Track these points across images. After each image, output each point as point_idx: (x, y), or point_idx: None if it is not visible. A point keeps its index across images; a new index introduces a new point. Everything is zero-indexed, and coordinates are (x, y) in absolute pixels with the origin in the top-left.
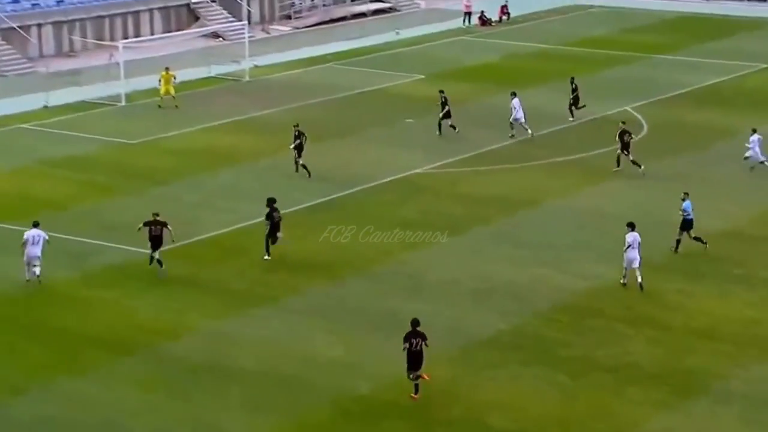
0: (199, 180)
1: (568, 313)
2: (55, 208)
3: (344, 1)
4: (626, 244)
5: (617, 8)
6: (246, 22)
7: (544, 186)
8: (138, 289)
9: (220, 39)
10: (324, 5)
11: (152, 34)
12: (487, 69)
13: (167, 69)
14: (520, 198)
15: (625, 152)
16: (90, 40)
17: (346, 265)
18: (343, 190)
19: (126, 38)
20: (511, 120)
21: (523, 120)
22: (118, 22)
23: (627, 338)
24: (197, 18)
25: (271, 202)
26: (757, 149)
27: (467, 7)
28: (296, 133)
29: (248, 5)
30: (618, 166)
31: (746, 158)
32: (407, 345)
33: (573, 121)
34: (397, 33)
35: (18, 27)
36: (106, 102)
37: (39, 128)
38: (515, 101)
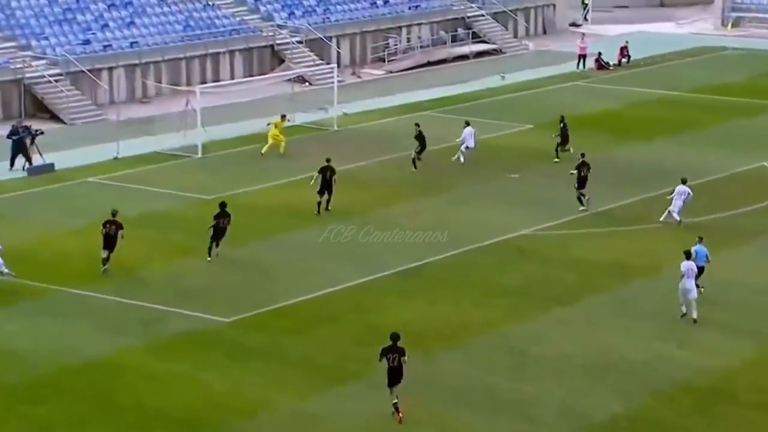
0: (279, 240)
1: (692, 394)
2: (124, 271)
3: (444, 43)
4: (680, 274)
5: (754, 51)
6: (335, 65)
7: (664, 250)
8: (212, 360)
9: (307, 84)
10: (421, 47)
11: (232, 78)
12: (605, 118)
13: (283, 117)
14: (638, 264)
15: (578, 186)
16: (165, 85)
17: (439, 335)
18: (437, 253)
19: (204, 83)
20: (461, 148)
21: (472, 147)
22: (196, 65)
23: (762, 428)
24: (282, 61)
25: (222, 206)
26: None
27: (582, 49)
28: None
29: (338, 47)
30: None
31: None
32: (385, 360)
33: (558, 161)
34: (503, 77)
35: (88, 70)
36: (181, 153)
37: (108, 182)
38: (468, 131)
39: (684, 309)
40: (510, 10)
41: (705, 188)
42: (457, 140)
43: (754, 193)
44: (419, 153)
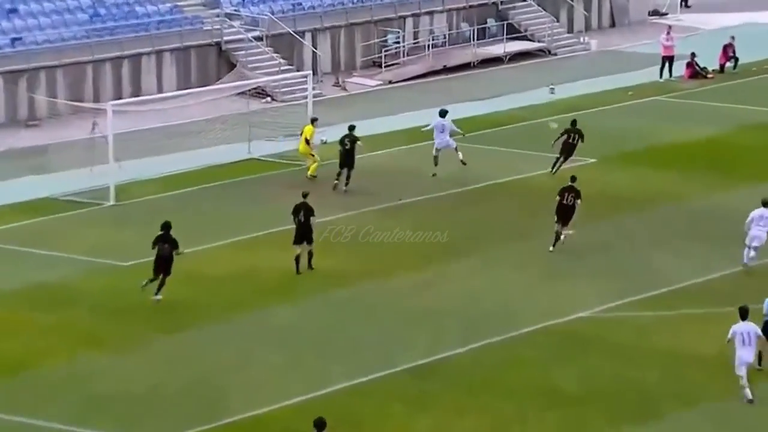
0: (236, 323)
1: None
2: (7, 372)
3: (467, 41)
4: (729, 334)
5: None
6: (310, 72)
7: None
8: None
9: (268, 99)
10: (434, 46)
11: (160, 90)
12: (702, 149)
13: (314, 121)
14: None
15: (556, 219)
16: (62, 101)
17: None
18: (467, 342)
19: (119, 98)
20: (434, 152)
21: (451, 145)
22: (107, 72)
23: None
24: (232, 65)
25: (165, 228)
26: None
27: (667, 48)
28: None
29: (314, 46)
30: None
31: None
32: None
33: (554, 173)
34: (552, 90)
35: None
36: (86, 200)
37: None
38: (439, 123)
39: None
40: None
41: None
42: (425, 127)
43: None
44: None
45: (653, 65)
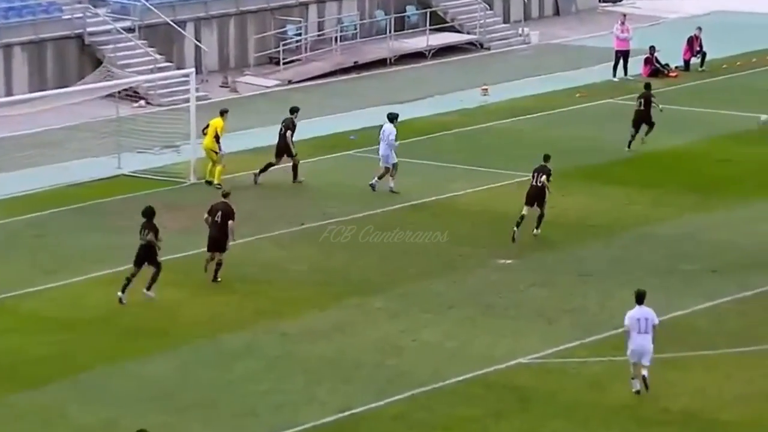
0: (111, 375)
1: None
2: None
3: (383, 32)
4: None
5: None
6: (192, 70)
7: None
8: None
9: (142, 102)
10: (343, 39)
11: (9, 93)
12: (671, 162)
13: (224, 113)
14: (734, 419)
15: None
16: None
17: None
18: (383, 396)
19: None
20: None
21: (390, 162)
22: None
23: None
24: (99, 62)
25: (147, 214)
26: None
27: (622, 42)
28: None
29: (197, 39)
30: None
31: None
32: None
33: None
34: (485, 92)
35: None
36: None
37: None
38: (387, 129)
39: (635, 383)
40: None
41: None
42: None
43: None
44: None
45: (606, 61)
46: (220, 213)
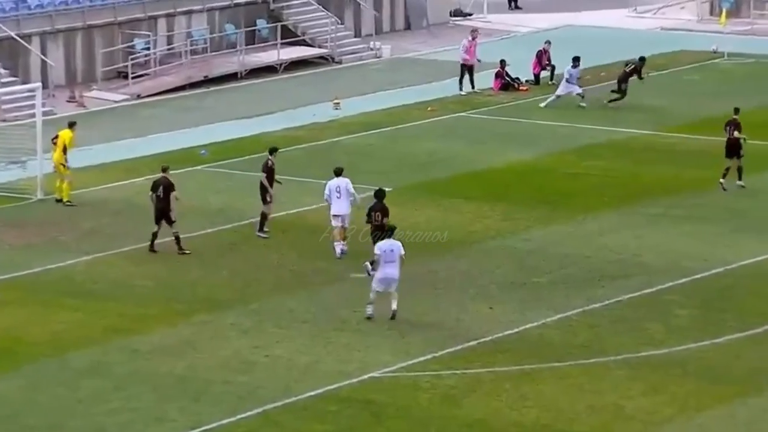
0: None
1: None
2: None
3: (234, 46)
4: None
5: (765, 58)
6: (39, 84)
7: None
8: None
9: None
10: (193, 53)
11: None
12: (521, 175)
13: (71, 125)
14: (574, 429)
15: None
16: None
17: None
18: (235, 412)
19: None
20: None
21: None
22: None
23: None
24: None
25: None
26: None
27: (468, 56)
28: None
29: (43, 53)
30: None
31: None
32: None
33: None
34: (337, 105)
35: None
36: None
37: None
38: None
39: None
40: None
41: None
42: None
43: None
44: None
45: (453, 73)
46: (161, 187)
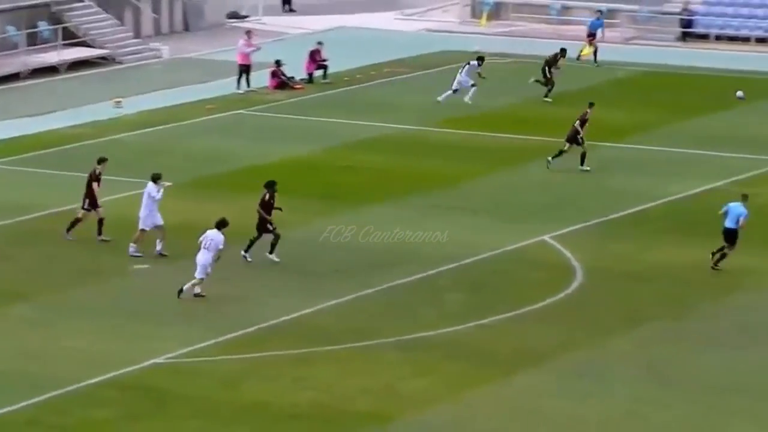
0: None
1: None
2: None
3: (14, 47)
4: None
5: (525, 58)
6: None
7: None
8: None
9: None
10: None
11: None
12: (300, 170)
13: None
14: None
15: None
16: None
17: None
18: (19, 400)
19: None
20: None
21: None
22: None
23: None
24: None
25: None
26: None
27: (244, 56)
28: None
29: None
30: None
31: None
32: None
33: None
34: (118, 104)
35: None
36: None
37: None
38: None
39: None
40: None
41: (466, 276)
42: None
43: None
44: None
45: (234, 75)
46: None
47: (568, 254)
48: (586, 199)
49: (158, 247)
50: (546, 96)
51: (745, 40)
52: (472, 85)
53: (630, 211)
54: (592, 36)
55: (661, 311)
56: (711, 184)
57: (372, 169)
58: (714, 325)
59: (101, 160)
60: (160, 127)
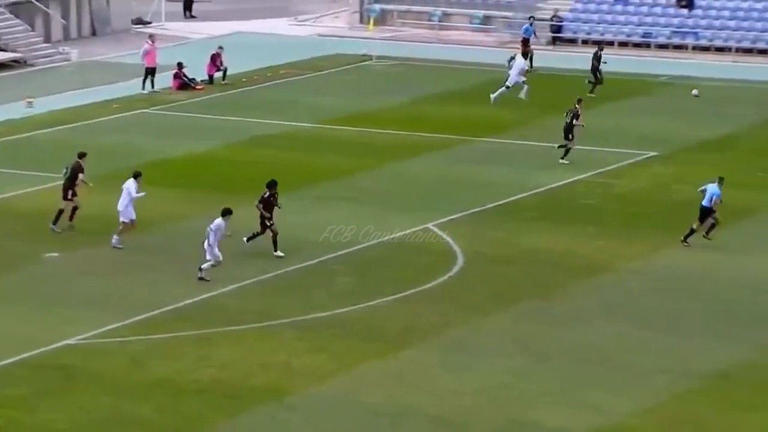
0: None
1: None
2: None
3: None
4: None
5: (409, 60)
6: None
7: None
8: None
9: None
10: None
11: None
12: (200, 164)
13: None
14: (248, 384)
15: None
16: None
17: None
18: None
19: None
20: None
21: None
22: None
23: None
24: None
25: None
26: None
27: (150, 58)
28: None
29: None
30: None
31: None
32: None
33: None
34: (29, 104)
35: None
36: None
37: None
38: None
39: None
40: (38, 0)
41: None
42: None
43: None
44: None
45: (139, 76)
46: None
47: (450, 240)
48: (465, 191)
49: (113, 240)
50: (591, 92)
51: (609, 44)
52: (524, 83)
53: (504, 201)
54: (525, 41)
55: (532, 291)
56: (577, 176)
57: (268, 163)
58: (579, 304)
59: (82, 155)
60: (70, 126)
